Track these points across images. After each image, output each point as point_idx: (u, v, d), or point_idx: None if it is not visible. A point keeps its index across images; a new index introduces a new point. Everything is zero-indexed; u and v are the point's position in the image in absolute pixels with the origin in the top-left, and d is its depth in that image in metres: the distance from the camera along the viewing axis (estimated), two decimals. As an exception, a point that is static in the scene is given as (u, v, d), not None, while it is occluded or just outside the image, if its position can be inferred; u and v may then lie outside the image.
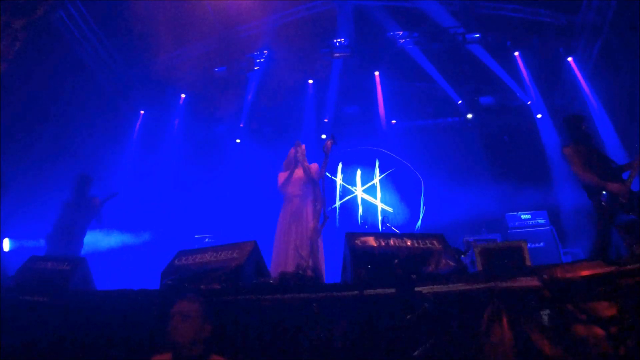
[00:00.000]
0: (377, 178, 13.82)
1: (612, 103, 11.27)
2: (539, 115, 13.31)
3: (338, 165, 13.92)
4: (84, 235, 9.22)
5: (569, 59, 12.45)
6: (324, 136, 14.32)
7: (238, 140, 14.89)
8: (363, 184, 13.81)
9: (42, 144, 11.02)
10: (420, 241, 5.54)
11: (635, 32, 9.84)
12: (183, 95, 14.13)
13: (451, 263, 5.25)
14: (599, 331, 4.06)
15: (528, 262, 5.76)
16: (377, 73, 14.02)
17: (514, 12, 11.95)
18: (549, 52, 12.54)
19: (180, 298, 4.08)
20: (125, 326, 4.87)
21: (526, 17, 12.03)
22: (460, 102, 14.02)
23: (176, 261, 5.93)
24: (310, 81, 14.20)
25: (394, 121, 14.53)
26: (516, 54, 12.93)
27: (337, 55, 13.15)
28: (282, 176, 8.24)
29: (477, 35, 12.61)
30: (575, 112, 8.05)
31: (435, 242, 5.54)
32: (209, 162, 13.92)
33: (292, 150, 8.20)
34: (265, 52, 13.43)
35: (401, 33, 13.00)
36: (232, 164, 13.72)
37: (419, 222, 13.02)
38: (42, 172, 10.99)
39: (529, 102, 13.36)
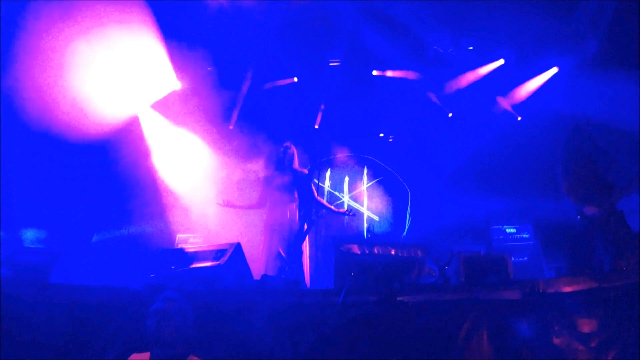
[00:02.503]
0: (364, 185, 13.81)
1: (603, 113, 11.32)
2: (519, 118, 13.30)
3: (326, 171, 13.89)
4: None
5: (555, 68, 12.51)
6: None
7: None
8: (350, 191, 13.78)
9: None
10: (404, 250, 5.55)
11: (630, 42, 9.91)
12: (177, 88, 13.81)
13: (434, 273, 5.27)
14: (579, 346, 4.08)
15: (511, 275, 5.77)
16: (375, 72, 13.89)
17: (504, 19, 11.95)
18: (539, 60, 12.59)
19: (161, 297, 4.06)
20: (105, 322, 4.84)
21: (517, 25, 12.06)
22: (450, 114, 14.01)
23: (159, 260, 5.91)
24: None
25: (391, 138, 14.40)
26: (502, 61, 12.91)
27: (333, 62, 13.17)
28: (267, 177, 8.17)
29: (471, 48, 12.65)
30: (572, 126, 7.95)
31: (419, 251, 5.55)
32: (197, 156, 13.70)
33: (281, 152, 8.14)
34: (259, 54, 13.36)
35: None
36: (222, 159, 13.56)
37: (405, 231, 13.02)
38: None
39: (519, 118, 13.37)
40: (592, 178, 7.34)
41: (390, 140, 14.27)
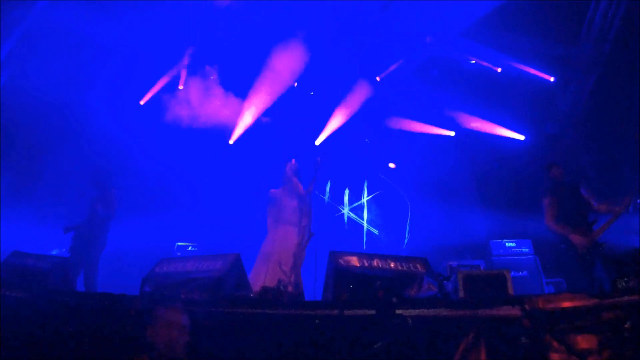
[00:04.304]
0: (364, 198, 13.82)
1: (601, 137, 11.37)
2: (522, 138, 13.32)
3: (327, 183, 13.89)
4: (106, 231, 9.25)
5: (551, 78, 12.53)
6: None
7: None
8: (350, 204, 13.80)
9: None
10: (403, 264, 5.54)
11: (632, 68, 9.96)
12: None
13: (434, 287, 5.25)
14: (578, 364, 4.06)
15: (510, 291, 5.76)
16: (378, 78, 13.83)
17: (511, 40, 12.00)
18: (543, 81, 12.61)
19: (161, 306, 4.05)
20: (102, 329, 4.82)
21: (523, 46, 12.10)
22: (454, 134, 13.98)
23: (157, 268, 5.90)
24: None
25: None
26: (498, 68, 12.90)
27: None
28: (274, 194, 8.22)
29: (473, 61, 12.69)
30: (548, 161, 8.44)
31: (418, 265, 5.54)
32: (198, 164, 13.64)
33: (287, 168, 8.24)
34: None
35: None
36: (223, 168, 13.51)
37: (404, 245, 13.01)
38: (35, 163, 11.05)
39: (524, 138, 13.36)
40: (576, 208, 7.61)
41: (393, 166, 14.21)
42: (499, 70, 12.77)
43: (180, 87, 13.12)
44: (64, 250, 9.23)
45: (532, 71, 12.55)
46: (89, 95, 12.33)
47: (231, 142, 13.66)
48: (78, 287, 8.45)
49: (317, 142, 13.98)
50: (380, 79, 13.68)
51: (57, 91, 11.42)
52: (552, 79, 12.47)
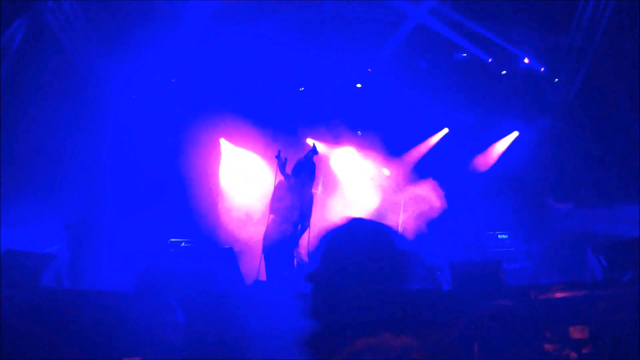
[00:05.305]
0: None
1: (592, 129, 11.39)
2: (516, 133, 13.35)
3: (320, 178, 13.78)
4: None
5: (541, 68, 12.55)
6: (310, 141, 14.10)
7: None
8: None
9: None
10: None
11: (622, 60, 9.96)
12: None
13: (426, 280, 5.27)
14: (571, 353, 4.08)
15: (503, 282, 5.78)
16: (369, 70, 13.70)
17: (501, 32, 11.97)
18: (534, 73, 12.60)
19: (153, 303, 4.04)
20: (95, 327, 4.80)
21: (512, 37, 12.07)
22: (447, 130, 13.93)
23: (151, 265, 5.89)
24: (302, 88, 13.96)
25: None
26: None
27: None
28: (273, 187, 8.25)
29: (464, 55, 12.66)
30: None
31: (411, 257, 5.55)
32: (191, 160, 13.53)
33: (279, 163, 8.20)
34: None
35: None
36: (215, 161, 13.43)
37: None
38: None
39: (517, 133, 13.35)
40: None
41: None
42: (490, 60, 12.74)
43: (173, 80, 13.04)
44: (63, 247, 9.29)
45: (524, 60, 12.54)
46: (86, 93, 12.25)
47: (221, 140, 13.60)
48: (82, 285, 8.48)
49: (310, 141, 13.91)
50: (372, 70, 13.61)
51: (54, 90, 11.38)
52: (542, 70, 12.46)
